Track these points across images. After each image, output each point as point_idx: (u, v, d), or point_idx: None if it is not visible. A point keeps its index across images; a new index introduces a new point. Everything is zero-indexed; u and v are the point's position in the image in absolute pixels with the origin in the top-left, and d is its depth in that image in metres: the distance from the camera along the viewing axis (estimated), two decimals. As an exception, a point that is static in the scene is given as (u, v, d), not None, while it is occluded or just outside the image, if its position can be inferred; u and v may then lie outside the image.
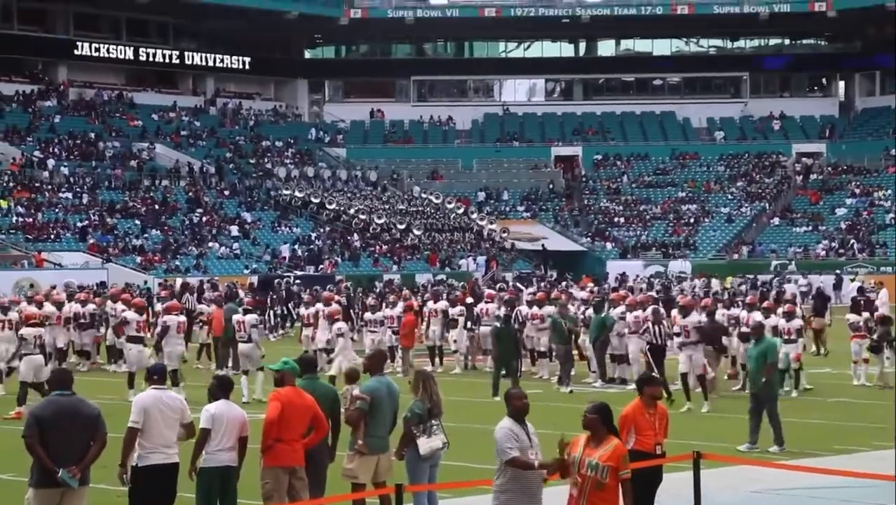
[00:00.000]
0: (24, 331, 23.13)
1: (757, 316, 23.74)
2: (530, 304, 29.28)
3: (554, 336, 25.50)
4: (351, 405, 12.31)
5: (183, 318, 25.28)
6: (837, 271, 58.36)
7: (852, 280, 53.14)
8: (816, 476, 13.77)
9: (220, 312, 28.90)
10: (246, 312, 25.11)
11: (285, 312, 42.08)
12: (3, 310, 25.16)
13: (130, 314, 25.05)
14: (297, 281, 49.96)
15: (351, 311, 37.67)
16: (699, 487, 11.54)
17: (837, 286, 54.67)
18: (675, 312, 24.90)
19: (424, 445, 11.97)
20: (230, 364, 27.44)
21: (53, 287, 38.98)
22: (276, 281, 49.61)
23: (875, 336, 25.66)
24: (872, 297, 35.72)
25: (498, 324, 25.92)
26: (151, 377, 11.65)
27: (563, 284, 46.24)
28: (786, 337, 24.12)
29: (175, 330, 24.00)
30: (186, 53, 77.75)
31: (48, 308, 28.54)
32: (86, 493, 10.55)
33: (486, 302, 30.47)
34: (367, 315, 30.22)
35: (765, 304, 27.08)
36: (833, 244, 66.22)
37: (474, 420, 19.82)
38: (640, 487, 10.37)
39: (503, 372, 24.07)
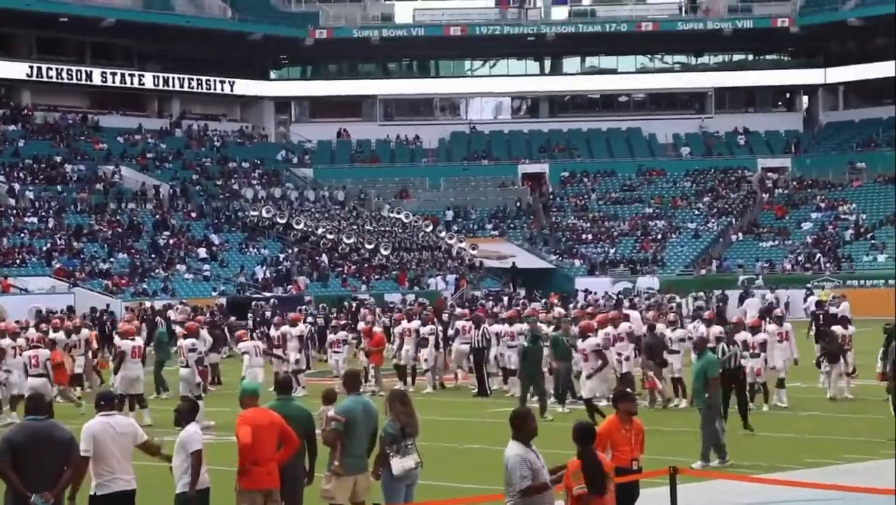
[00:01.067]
0: (27, 354, 23.70)
1: (714, 331, 23.74)
2: (502, 321, 29.27)
3: (554, 354, 24.81)
4: (327, 426, 12.30)
5: (139, 342, 25.27)
6: (808, 285, 58.73)
7: (810, 295, 53.74)
8: (790, 490, 13.88)
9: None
10: (185, 336, 24.85)
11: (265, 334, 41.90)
12: (13, 336, 25.25)
13: (117, 339, 25.30)
14: (274, 303, 49.62)
15: (327, 331, 37.66)
16: (675, 501, 11.59)
17: (807, 300, 54.96)
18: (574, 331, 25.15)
19: (397, 464, 11.98)
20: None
21: (62, 311, 39.38)
22: (254, 303, 49.55)
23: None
24: (833, 310, 35.95)
25: (525, 343, 25.37)
26: (99, 404, 11.36)
27: (546, 302, 45.99)
28: (751, 351, 24.10)
29: (130, 354, 24.00)
30: (151, 76, 77.52)
31: (58, 335, 28.33)
32: (59, 518, 10.46)
33: (463, 320, 30.58)
34: (330, 336, 30.24)
35: (734, 319, 27.22)
36: (799, 258, 66.60)
37: (447, 439, 19.88)
38: (618, 502, 10.42)
39: (531, 391, 23.93)
